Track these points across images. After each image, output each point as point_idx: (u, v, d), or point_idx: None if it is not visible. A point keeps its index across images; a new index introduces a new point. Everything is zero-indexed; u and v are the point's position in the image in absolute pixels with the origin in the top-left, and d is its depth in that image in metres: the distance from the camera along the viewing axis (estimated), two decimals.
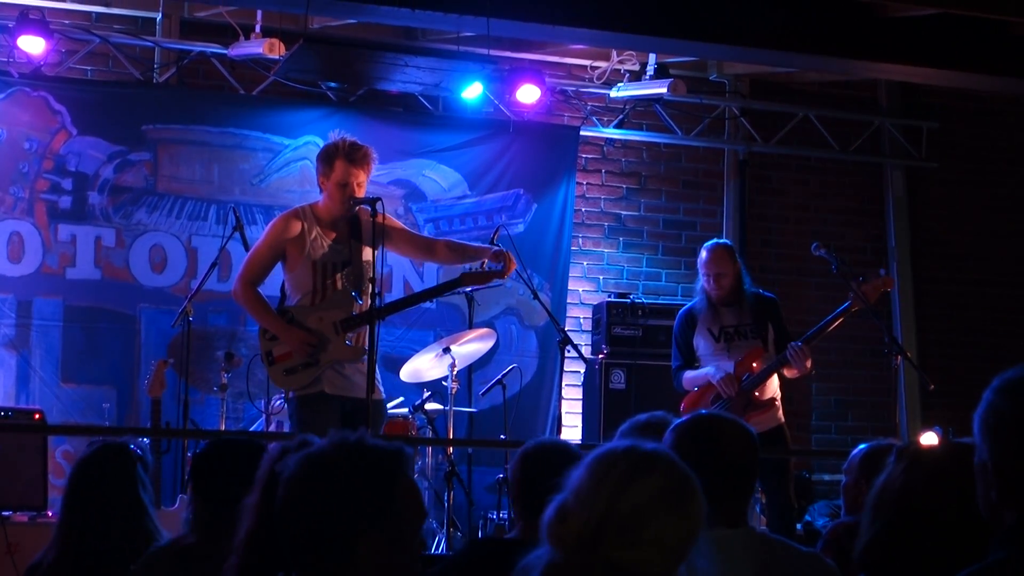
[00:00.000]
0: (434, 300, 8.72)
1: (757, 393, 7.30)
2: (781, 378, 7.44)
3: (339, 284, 6.60)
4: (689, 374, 7.48)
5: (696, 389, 7.46)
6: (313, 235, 6.60)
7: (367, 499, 2.45)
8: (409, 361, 7.94)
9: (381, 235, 6.39)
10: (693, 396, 7.48)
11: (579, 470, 2.38)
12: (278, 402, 7.40)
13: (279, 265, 6.72)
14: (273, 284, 6.85)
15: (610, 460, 2.36)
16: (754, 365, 7.31)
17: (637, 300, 9.35)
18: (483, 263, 6.79)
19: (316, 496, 2.47)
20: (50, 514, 6.80)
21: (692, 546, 2.35)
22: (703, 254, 7.53)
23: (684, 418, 3.21)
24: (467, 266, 6.96)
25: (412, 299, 7.31)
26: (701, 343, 7.45)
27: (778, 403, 7.43)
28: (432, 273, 9.14)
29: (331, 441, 2.52)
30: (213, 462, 3.65)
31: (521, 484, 3.88)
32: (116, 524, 3.65)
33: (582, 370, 9.28)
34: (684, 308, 7.72)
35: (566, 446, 4.02)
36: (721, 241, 7.71)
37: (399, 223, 7.08)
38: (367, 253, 6.60)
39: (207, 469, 3.64)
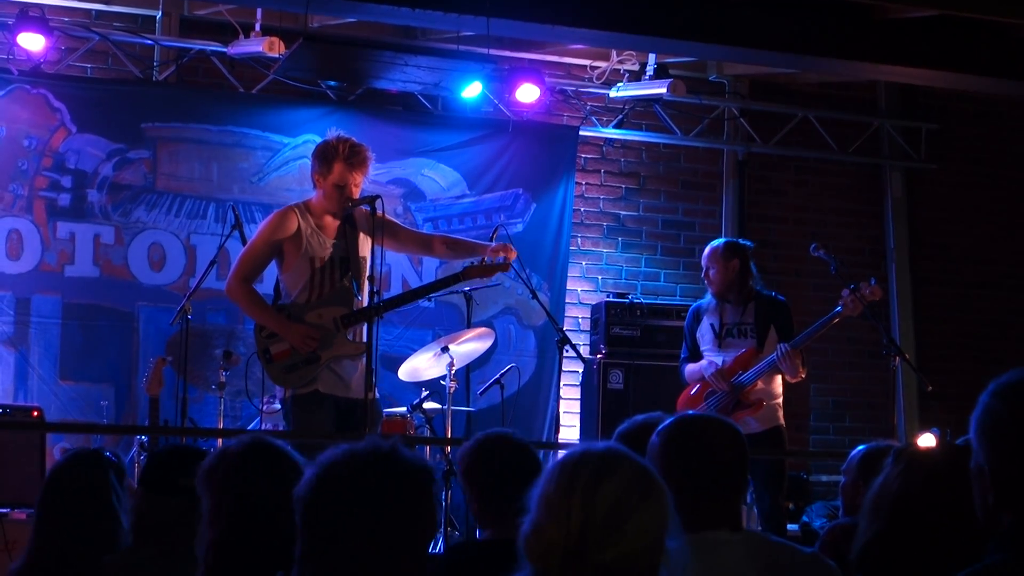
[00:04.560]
0: (433, 299, 8.75)
1: (747, 392, 7.41)
2: (784, 381, 7.52)
3: (338, 281, 6.59)
4: (689, 367, 7.66)
5: (695, 387, 7.59)
6: (309, 232, 6.57)
7: (399, 509, 2.49)
8: (407, 360, 7.94)
9: (381, 232, 6.38)
10: (688, 394, 7.63)
11: (541, 485, 2.41)
12: (275, 404, 7.33)
13: (272, 263, 6.70)
14: (267, 283, 6.82)
15: (572, 468, 2.38)
16: (746, 365, 7.42)
17: (636, 300, 9.36)
18: (483, 259, 6.79)
19: (349, 499, 2.49)
20: None
21: (667, 533, 2.37)
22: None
23: (668, 421, 3.20)
24: (467, 261, 6.93)
25: (414, 293, 7.26)
26: (703, 336, 7.62)
27: (777, 403, 7.51)
28: (431, 271, 9.14)
29: (367, 446, 2.54)
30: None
31: (482, 484, 3.90)
32: (88, 535, 3.62)
33: (580, 370, 9.28)
34: (697, 302, 7.88)
35: (511, 436, 4.02)
36: (720, 240, 7.83)
37: (393, 219, 7.05)
38: (364, 250, 6.59)
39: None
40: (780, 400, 7.53)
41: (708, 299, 7.67)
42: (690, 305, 9.54)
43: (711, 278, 7.59)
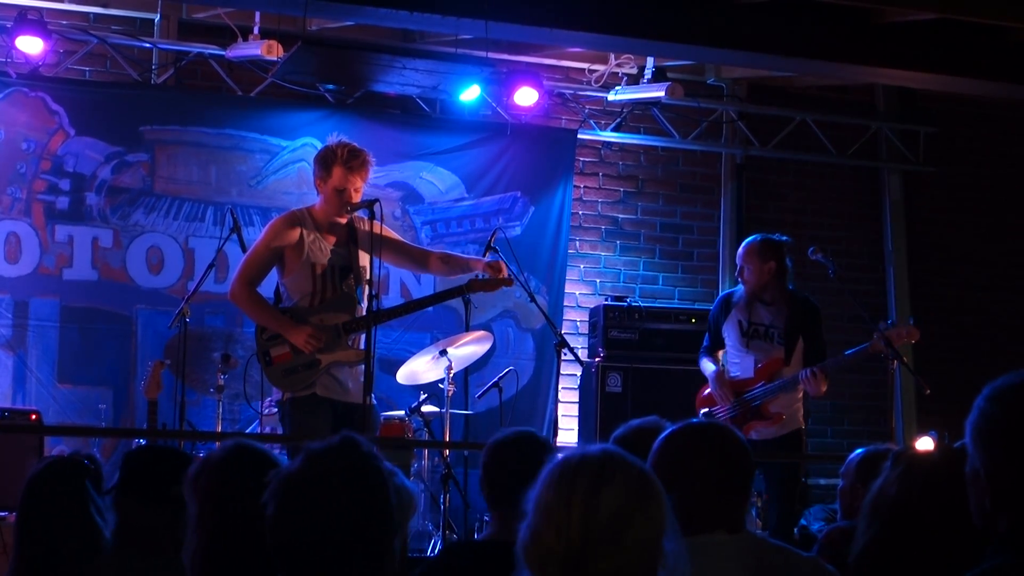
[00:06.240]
0: None
1: (765, 405, 7.30)
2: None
3: (340, 287, 6.60)
4: (704, 365, 7.55)
5: (706, 390, 7.53)
6: (311, 238, 6.59)
7: (347, 502, 2.48)
8: (406, 363, 7.93)
9: (379, 246, 6.39)
10: (702, 395, 7.55)
11: (538, 489, 2.38)
12: (273, 407, 7.33)
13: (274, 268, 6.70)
14: (266, 287, 6.83)
15: (570, 475, 2.35)
16: (771, 376, 7.31)
17: (634, 303, 9.34)
18: (476, 275, 6.84)
19: (299, 505, 2.49)
20: None
21: (665, 535, 2.36)
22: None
23: (671, 429, 3.20)
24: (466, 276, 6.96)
25: (417, 304, 7.28)
26: (730, 332, 7.48)
27: (796, 407, 7.40)
28: (429, 276, 9.13)
29: (306, 453, 2.53)
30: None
31: (489, 477, 3.92)
32: (67, 543, 3.58)
33: (578, 373, 9.28)
34: (726, 291, 7.83)
35: (532, 435, 4.02)
36: (756, 237, 7.57)
37: (394, 234, 7.05)
38: (364, 257, 6.60)
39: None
40: (800, 403, 7.42)
41: (740, 291, 7.51)
42: (689, 308, 9.60)
43: (745, 278, 7.42)
